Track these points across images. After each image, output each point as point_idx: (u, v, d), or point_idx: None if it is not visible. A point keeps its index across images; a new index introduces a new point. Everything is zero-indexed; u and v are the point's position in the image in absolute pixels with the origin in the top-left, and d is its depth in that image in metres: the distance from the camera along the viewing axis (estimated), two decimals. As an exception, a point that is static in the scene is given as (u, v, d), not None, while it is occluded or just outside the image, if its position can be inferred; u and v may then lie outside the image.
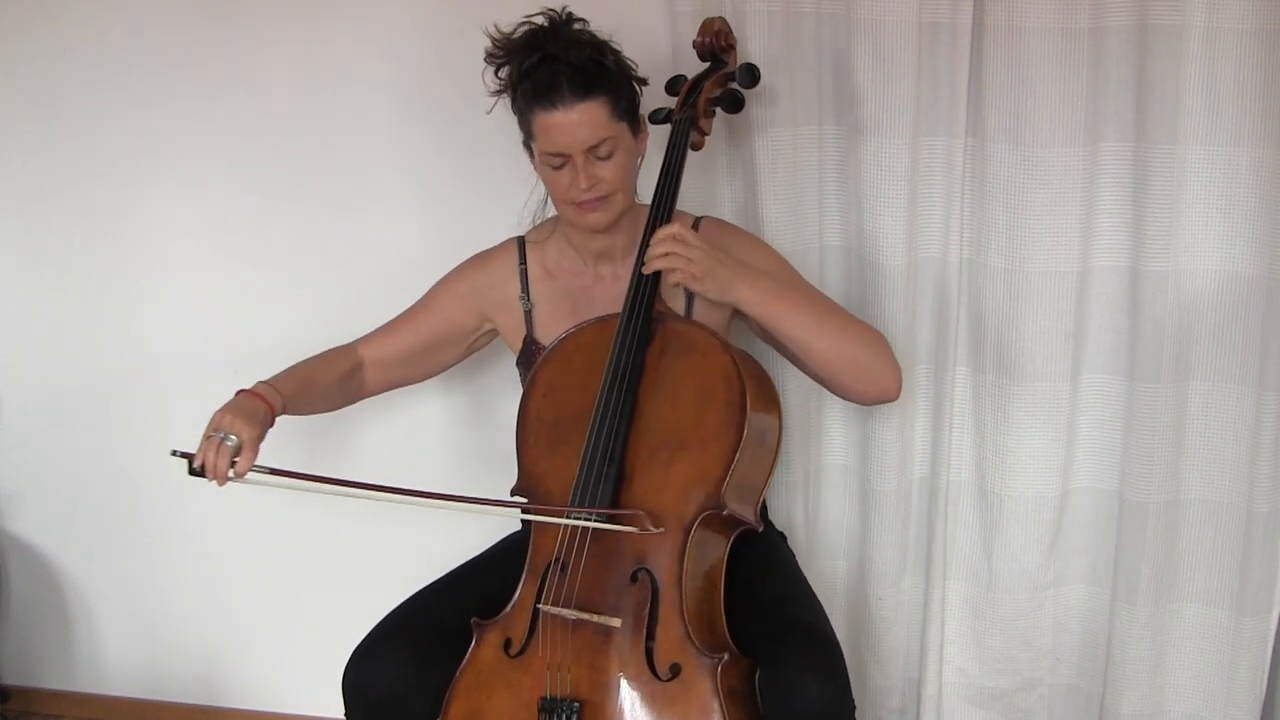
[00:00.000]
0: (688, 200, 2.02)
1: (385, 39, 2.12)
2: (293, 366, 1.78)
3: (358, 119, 2.17)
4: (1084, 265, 1.93)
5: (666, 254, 1.60)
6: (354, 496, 1.58)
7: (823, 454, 2.12)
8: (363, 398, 1.88)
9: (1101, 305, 1.95)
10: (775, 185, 1.98)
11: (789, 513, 2.13)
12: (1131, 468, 1.98)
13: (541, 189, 1.76)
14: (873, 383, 1.70)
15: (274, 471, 1.56)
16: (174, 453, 1.56)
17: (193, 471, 1.56)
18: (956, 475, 2.08)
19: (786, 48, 1.91)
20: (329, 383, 1.79)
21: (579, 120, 1.61)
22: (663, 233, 1.61)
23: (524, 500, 1.67)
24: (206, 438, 1.57)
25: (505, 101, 1.70)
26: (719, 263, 1.62)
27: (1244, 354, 1.90)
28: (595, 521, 1.57)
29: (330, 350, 1.84)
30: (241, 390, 1.66)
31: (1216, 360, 1.91)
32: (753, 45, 1.91)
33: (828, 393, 1.79)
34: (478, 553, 1.89)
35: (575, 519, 1.58)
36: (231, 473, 1.56)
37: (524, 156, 1.74)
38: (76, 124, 2.27)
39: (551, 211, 1.81)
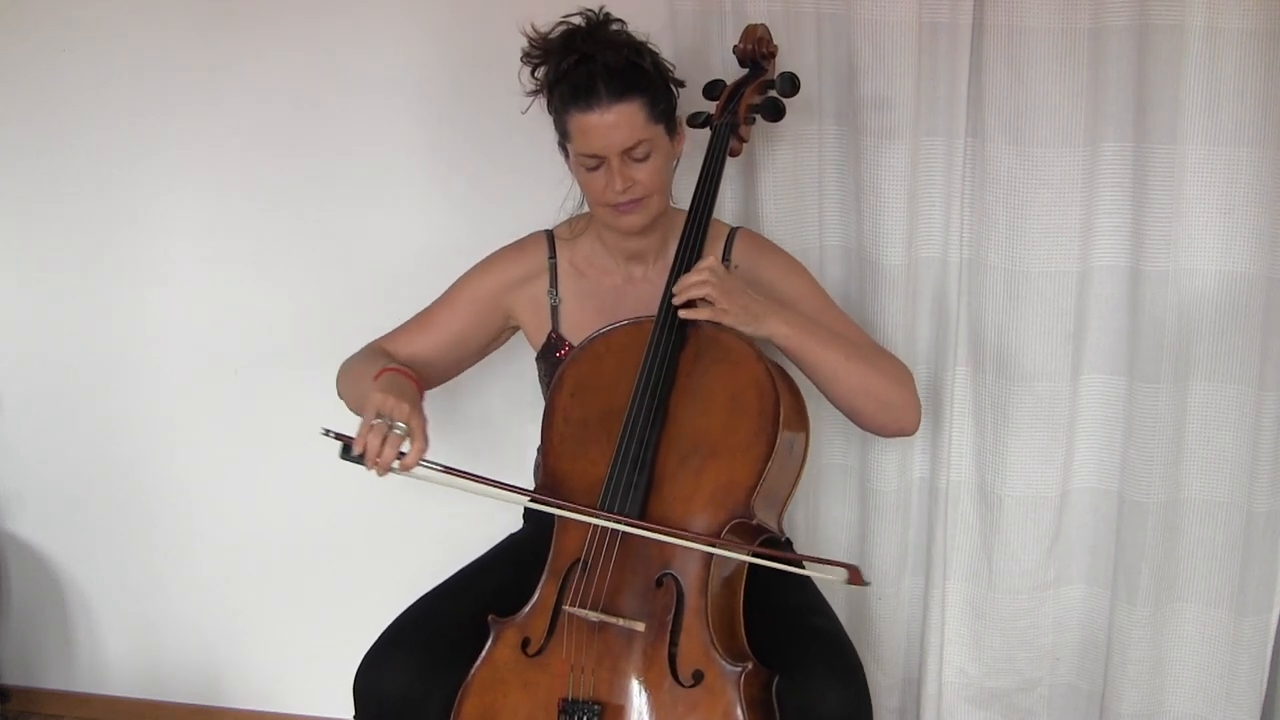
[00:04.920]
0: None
1: (390, 38, 2.12)
2: (370, 351, 1.74)
3: (360, 119, 2.17)
4: (1084, 265, 1.93)
5: (702, 280, 1.57)
6: (513, 501, 1.55)
7: (823, 454, 2.12)
8: None
9: (1101, 305, 1.95)
10: (775, 185, 1.98)
11: (789, 513, 2.13)
12: (1131, 468, 1.98)
13: (578, 189, 1.75)
14: (893, 420, 1.70)
15: (447, 470, 1.48)
16: (326, 432, 1.46)
17: (347, 457, 1.46)
18: (956, 475, 2.08)
19: (787, 48, 1.91)
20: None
21: (615, 122, 1.60)
22: (701, 265, 1.59)
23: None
24: (370, 425, 1.47)
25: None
26: (751, 299, 1.61)
27: (1244, 354, 1.90)
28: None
29: (374, 344, 1.79)
30: (387, 369, 1.58)
31: (1216, 360, 1.91)
32: (753, 45, 1.92)
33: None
34: (480, 553, 1.88)
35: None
36: (396, 464, 1.48)
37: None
38: (77, 125, 2.27)
39: (586, 209, 1.80)
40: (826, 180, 1.99)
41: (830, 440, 2.11)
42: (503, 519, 1.93)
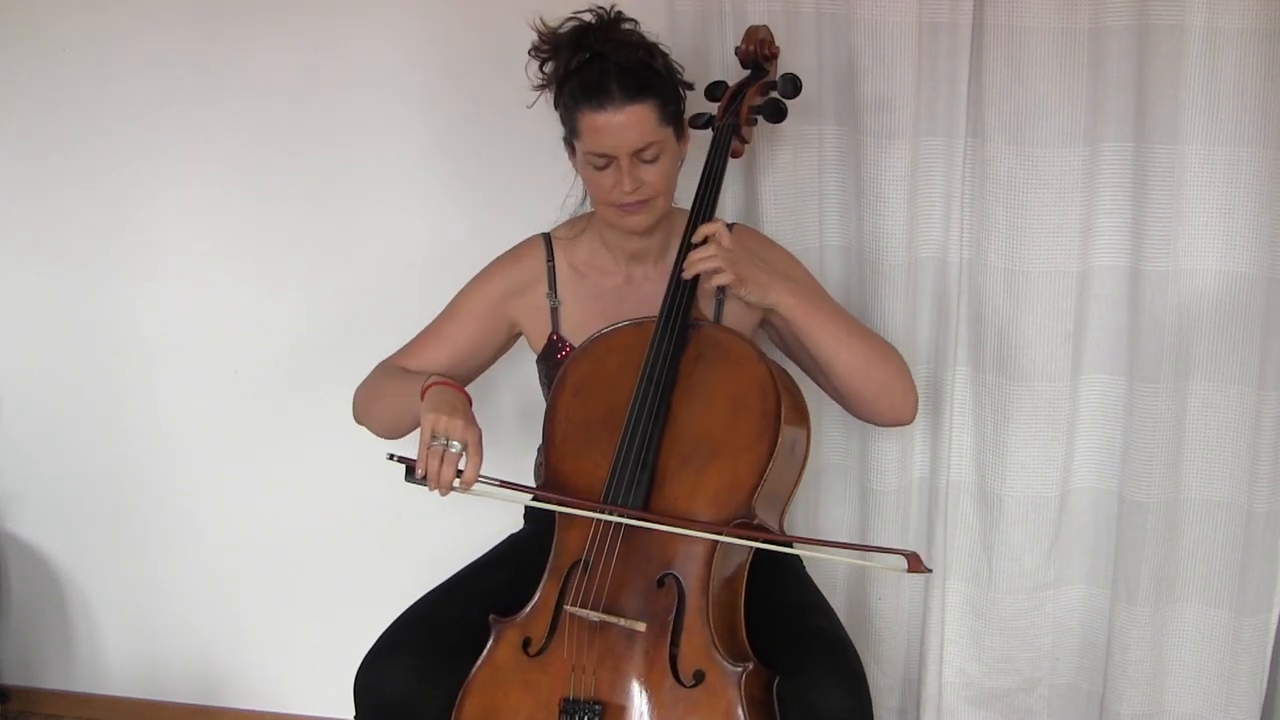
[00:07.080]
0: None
1: (391, 38, 2.12)
2: (387, 370, 1.74)
3: (362, 119, 2.17)
4: (1084, 265, 1.93)
5: (710, 255, 1.58)
6: (580, 515, 1.56)
7: (823, 454, 2.12)
8: None
9: (1101, 305, 1.95)
10: (775, 185, 1.98)
11: (789, 513, 2.13)
12: (1131, 467, 1.98)
13: (580, 186, 1.75)
14: (891, 404, 1.70)
15: (503, 484, 1.51)
16: (390, 457, 1.49)
17: (410, 480, 1.49)
18: (956, 475, 2.08)
19: (787, 48, 1.91)
20: None
21: (627, 122, 1.60)
22: (704, 230, 1.61)
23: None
24: (428, 447, 1.49)
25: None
26: (757, 267, 1.62)
27: (1244, 354, 1.90)
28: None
29: (388, 363, 1.78)
30: (432, 384, 1.58)
31: (1216, 360, 1.91)
32: (753, 45, 1.91)
33: (828, 394, 1.79)
34: (480, 553, 1.88)
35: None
36: (457, 483, 1.49)
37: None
38: (78, 124, 2.27)
39: (587, 208, 1.80)
40: (826, 180, 1.99)
41: (830, 440, 2.11)
42: (503, 519, 1.93)
